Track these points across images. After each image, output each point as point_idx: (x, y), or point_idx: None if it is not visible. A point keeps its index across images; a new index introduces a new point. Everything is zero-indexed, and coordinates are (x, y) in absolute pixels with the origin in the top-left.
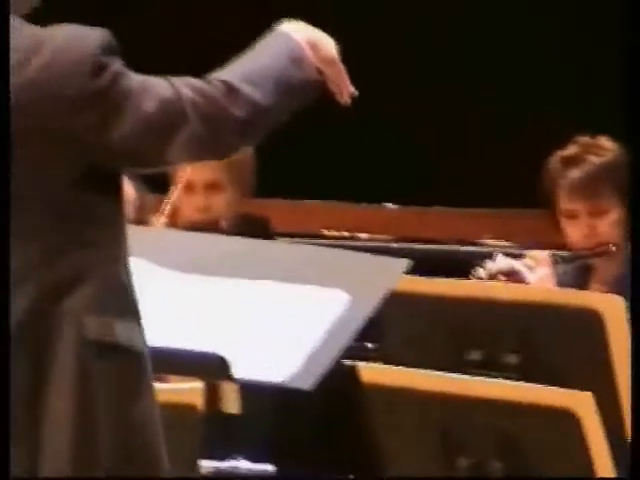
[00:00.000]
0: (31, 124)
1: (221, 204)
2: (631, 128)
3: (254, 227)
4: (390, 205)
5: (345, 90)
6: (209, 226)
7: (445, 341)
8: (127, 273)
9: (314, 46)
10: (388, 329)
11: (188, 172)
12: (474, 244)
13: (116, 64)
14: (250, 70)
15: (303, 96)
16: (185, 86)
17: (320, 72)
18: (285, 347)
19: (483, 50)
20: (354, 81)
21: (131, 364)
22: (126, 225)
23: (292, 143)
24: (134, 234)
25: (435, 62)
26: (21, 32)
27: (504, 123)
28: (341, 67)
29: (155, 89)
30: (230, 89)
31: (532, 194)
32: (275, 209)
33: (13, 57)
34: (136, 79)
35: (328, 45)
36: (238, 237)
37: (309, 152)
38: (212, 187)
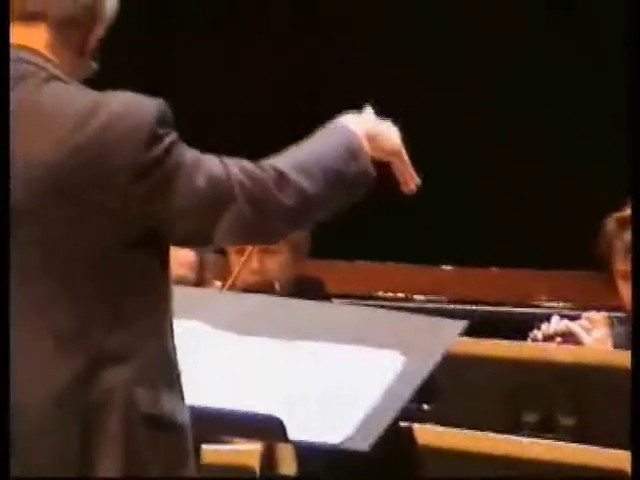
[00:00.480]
0: (78, 188)
1: (276, 267)
2: None
3: (309, 289)
4: (446, 266)
5: (410, 180)
6: (264, 288)
7: (501, 403)
8: (173, 346)
9: (374, 139)
10: (443, 390)
11: None
12: (530, 305)
13: (171, 136)
14: (303, 159)
15: (356, 190)
16: (236, 166)
17: (383, 162)
18: (341, 408)
19: (545, 114)
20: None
21: (175, 436)
22: (172, 297)
23: None
24: (190, 296)
25: (492, 127)
26: (77, 96)
27: (559, 185)
28: (405, 158)
29: (206, 166)
30: (280, 176)
31: (588, 255)
32: (330, 270)
33: (68, 120)
34: (189, 153)
35: (391, 136)
36: (293, 299)
37: (363, 213)
38: (266, 250)
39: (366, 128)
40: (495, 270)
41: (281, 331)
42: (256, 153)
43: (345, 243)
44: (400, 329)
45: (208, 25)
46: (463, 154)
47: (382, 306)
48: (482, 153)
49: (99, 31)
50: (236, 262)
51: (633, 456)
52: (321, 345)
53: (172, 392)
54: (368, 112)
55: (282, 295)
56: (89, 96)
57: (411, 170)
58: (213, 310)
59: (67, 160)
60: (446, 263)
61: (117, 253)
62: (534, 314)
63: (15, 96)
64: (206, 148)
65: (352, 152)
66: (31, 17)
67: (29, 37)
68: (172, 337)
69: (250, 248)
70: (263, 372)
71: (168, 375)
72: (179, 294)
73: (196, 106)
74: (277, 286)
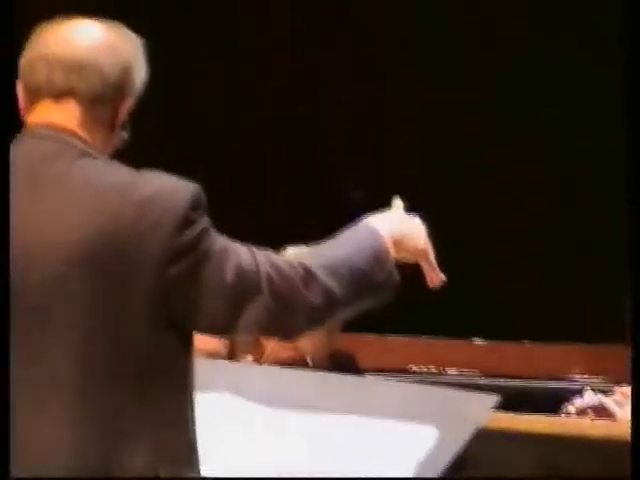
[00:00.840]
0: (108, 269)
1: (309, 342)
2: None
3: (342, 363)
4: (478, 340)
5: (435, 278)
6: (296, 363)
7: (533, 476)
8: (193, 426)
9: (401, 242)
10: (476, 464)
11: None
12: (563, 379)
13: (203, 222)
14: (332, 259)
15: (380, 294)
16: (264, 259)
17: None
18: None
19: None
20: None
21: None
22: (193, 379)
23: None
24: (222, 368)
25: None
26: (109, 175)
27: (592, 263)
28: (430, 258)
29: (235, 256)
30: (308, 273)
31: (621, 329)
32: (362, 344)
33: (101, 202)
34: (219, 241)
35: (417, 238)
36: (325, 373)
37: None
38: None
39: (393, 231)
40: (528, 344)
41: (314, 404)
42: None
43: (377, 317)
44: (433, 403)
45: None
46: (495, 229)
47: (415, 380)
48: (514, 230)
49: (129, 105)
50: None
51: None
52: (353, 419)
53: (192, 470)
54: (397, 206)
55: (314, 369)
56: (122, 176)
57: (436, 269)
58: (244, 382)
59: (98, 242)
60: (479, 337)
61: (141, 335)
62: (567, 388)
63: (47, 174)
64: None
65: (379, 257)
66: (60, 94)
67: (59, 114)
68: (193, 418)
69: None
70: (296, 445)
71: (188, 455)
72: (211, 366)
73: None
74: (310, 361)
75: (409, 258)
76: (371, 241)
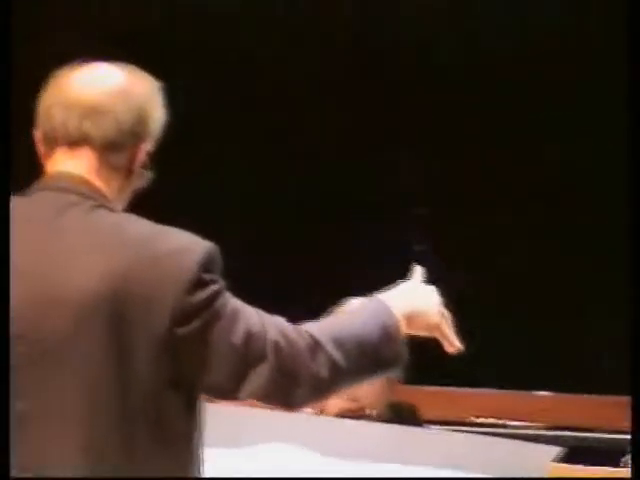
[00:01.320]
0: (120, 322)
1: (369, 392)
2: None
3: (402, 414)
4: (541, 392)
5: (451, 347)
6: (356, 414)
7: None
8: None
9: (414, 320)
10: None
11: None
12: (622, 432)
13: (215, 284)
14: (340, 332)
15: (387, 369)
16: (273, 326)
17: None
18: None
19: None
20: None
21: None
22: (199, 439)
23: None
24: (284, 419)
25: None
26: (125, 227)
27: None
28: (445, 331)
29: (245, 320)
30: (315, 344)
31: None
32: (424, 396)
33: (115, 253)
34: (230, 304)
35: (431, 313)
36: (387, 424)
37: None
38: None
39: (406, 307)
40: (591, 397)
41: (376, 456)
42: None
43: (438, 368)
44: (494, 455)
45: None
46: (551, 280)
47: (477, 432)
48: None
49: (146, 149)
50: None
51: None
52: (416, 470)
53: None
54: (417, 275)
55: (375, 421)
56: (136, 230)
57: (452, 339)
58: (305, 434)
59: (112, 294)
60: (542, 389)
61: (146, 388)
62: (626, 440)
63: (60, 225)
64: None
65: (389, 333)
66: (75, 142)
67: (73, 163)
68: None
69: None
70: None
71: None
72: (271, 417)
73: None
74: (370, 412)
75: (422, 334)
76: (382, 317)
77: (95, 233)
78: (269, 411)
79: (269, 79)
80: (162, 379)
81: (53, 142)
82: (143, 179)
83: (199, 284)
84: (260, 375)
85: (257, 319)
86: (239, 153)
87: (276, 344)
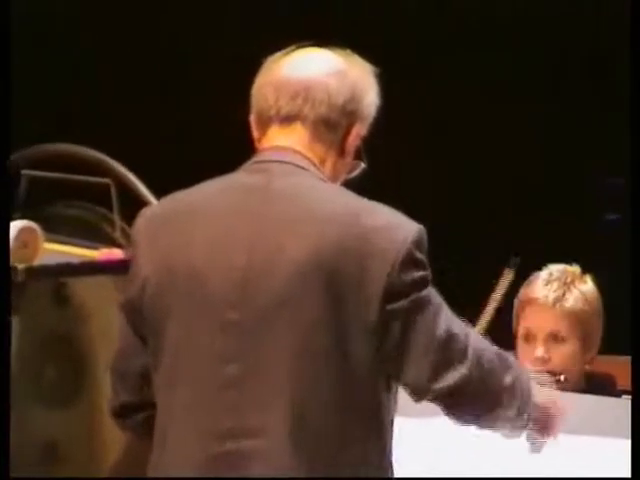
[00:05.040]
0: (336, 291)
1: (563, 356)
2: None
3: (599, 385)
4: None
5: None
6: (550, 380)
7: None
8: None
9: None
10: None
11: (528, 320)
12: None
13: (426, 268)
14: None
15: (517, 426)
16: (474, 334)
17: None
18: None
19: None
20: None
21: None
22: (393, 415)
23: None
24: None
25: None
26: (338, 198)
27: None
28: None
29: (449, 316)
30: (503, 358)
31: None
32: (622, 366)
33: (332, 222)
34: (437, 296)
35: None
36: (582, 395)
37: None
38: (555, 337)
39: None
40: None
41: (576, 428)
42: None
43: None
44: None
45: None
46: None
47: None
48: None
49: (359, 130)
50: (523, 349)
51: None
52: (607, 440)
53: None
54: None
55: (567, 389)
56: (348, 203)
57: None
58: None
59: (324, 265)
60: None
61: (352, 360)
62: None
63: (275, 193)
64: None
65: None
66: (286, 119)
67: (286, 138)
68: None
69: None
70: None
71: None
72: None
73: None
74: (562, 378)
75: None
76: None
77: (308, 203)
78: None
79: None
80: (368, 353)
81: (267, 121)
82: (356, 168)
83: (412, 262)
84: (455, 376)
85: (460, 322)
86: None
87: (477, 349)
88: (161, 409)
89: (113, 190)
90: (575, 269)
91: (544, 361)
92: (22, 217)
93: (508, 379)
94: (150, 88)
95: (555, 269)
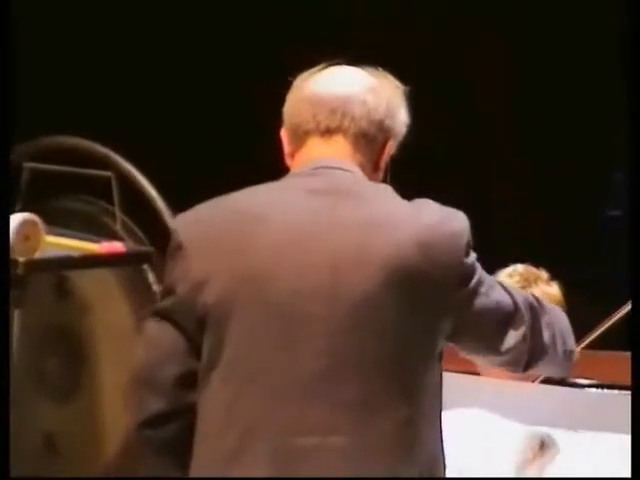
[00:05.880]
0: (410, 287)
1: None
2: None
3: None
4: None
5: None
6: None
7: None
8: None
9: None
10: None
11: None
12: None
13: (473, 251)
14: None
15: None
16: (519, 292)
17: None
18: None
19: None
20: None
21: None
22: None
23: None
24: (476, 384)
25: None
26: (392, 200)
27: None
28: None
29: (500, 288)
30: (540, 301)
31: None
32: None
33: (396, 223)
34: (483, 270)
35: None
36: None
37: None
38: None
39: None
40: None
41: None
42: None
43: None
44: None
45: None
46: None
47: None
48: None
49: (392, 146)
50: None
51: None
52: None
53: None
54: None
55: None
56: (404, 202)
57: None
58: (498, 399)
59: (402, 260)
60: None
61: (433, 351)
62: None
63: (348, 194)
64: None
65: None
66: (327, 132)
67: (328, 148)
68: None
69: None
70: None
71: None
72: (462, 383)
73: None
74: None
75: None
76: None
77: (374, 205)
78: (460, 377)
79: None
80: (437, 338)
81: (303, 135)
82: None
83: (470, 247)
84: (518, 333)
85: (505, 287)
86: None
87: (530, 303)
88: (218, 404)
89: (114, 183)
90: (542, 272)
91: None
92: (23, 210)
93: (547, 319)
94: (152, 84)
95: (520, 266)
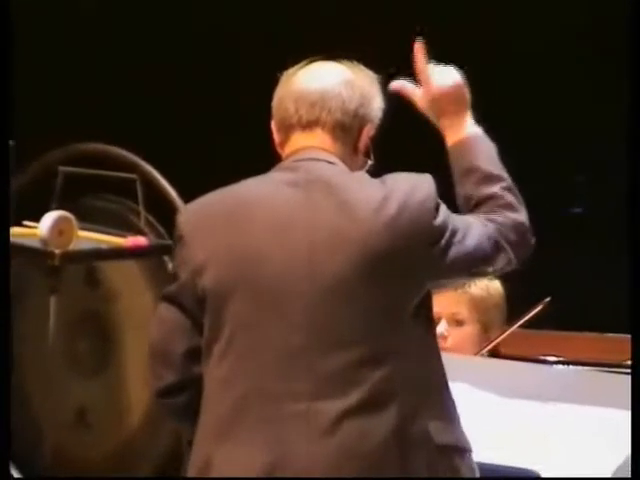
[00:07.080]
0: (385, 260)
1: (460, 337)
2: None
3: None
4: None
5: None
6: None
7: None
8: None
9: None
10: None
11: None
12: None
13: (443, 204)
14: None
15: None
16: (488, 221)
17: None
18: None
19: None
20: None
21: (468, 460)
22: (436, 337)
23: None
24: (457, 362)
25: None
26: (367, 181)
27: None
28: None
29: (472, 228)
30: (511, 203)
31: None
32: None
33: (370, 203)
34: (457, 218)
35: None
36: (556, 366)
37: None
38: (454, 320)
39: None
40: None
41: (547, 395)
42: None
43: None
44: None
45: None
46: None
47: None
48: None
49: (369, 130)
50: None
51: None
52: (577, 407)
53: (458, 423)
54: None
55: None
56: (377, 183)
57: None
58: (478, 374)
59: (375, 236)
60: None
61: (406, 315)
62: None
63: (327, 182)
64: None
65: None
66: (307, 125)
67: (309, 140)
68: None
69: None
70: (525, 431)
71: (453, 408)
72: (447, 360)
73: None
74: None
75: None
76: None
77: (349, 191)
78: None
79: None
80: (417, 299)
81: (289, 128)
82: (366, 164)
83: (438, 207)
84: (501, 259)
85: (478, 222)
86: None
87: (499, 230)
88: (217, 376)
89: (139, 185)
90: None
91: (443, 338)
92: (58, 208)
93: (518, 205)
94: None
95: None
